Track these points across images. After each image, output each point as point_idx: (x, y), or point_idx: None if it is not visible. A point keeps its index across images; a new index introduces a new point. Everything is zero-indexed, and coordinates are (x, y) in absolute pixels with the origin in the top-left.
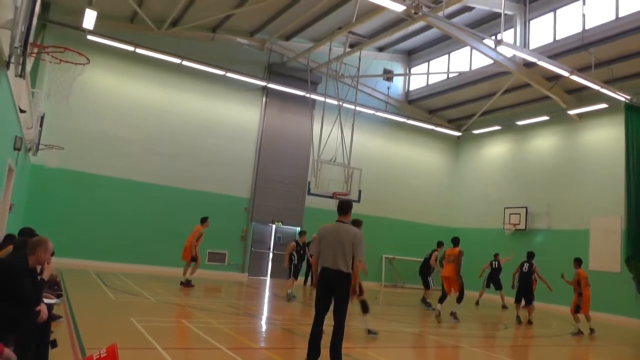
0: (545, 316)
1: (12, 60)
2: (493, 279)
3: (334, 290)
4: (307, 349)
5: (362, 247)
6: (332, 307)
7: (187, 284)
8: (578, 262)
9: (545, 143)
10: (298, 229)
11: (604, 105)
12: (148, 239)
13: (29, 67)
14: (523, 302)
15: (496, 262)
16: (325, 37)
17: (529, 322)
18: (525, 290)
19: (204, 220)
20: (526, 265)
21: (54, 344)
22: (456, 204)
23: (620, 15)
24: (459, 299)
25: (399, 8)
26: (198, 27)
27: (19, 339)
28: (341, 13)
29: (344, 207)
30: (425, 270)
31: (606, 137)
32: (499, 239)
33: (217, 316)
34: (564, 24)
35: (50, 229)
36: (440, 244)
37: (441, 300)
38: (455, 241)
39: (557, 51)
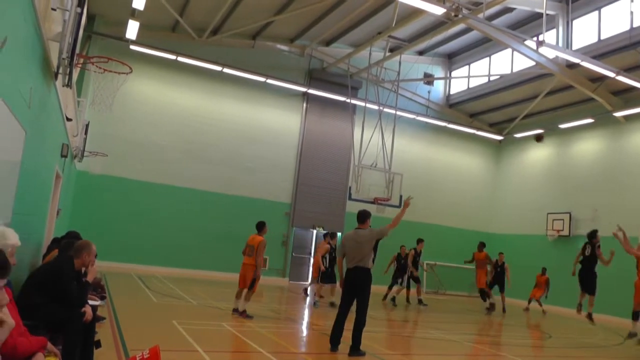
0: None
1: (60, 70)
2: (498, 281)
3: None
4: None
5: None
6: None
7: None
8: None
9: (589, 147)
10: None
11: None
12: (189, 243)
13: (75, 77)
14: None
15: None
16: (365, 42)
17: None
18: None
19: (326, 236)
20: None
21: (98, 344)
22: (497, 209)
23: None
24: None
25: (439, 11)
26: (238, 35)
27: (67, 339)
28: (381, 17)
29: (359, 216)
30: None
31: None
32: (541, 246)
33: (258, 320)
34: (610, 22)
35: (94, 233)
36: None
37: None
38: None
39: (602, 51)
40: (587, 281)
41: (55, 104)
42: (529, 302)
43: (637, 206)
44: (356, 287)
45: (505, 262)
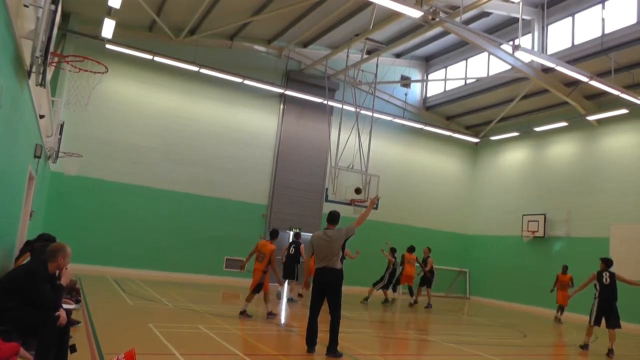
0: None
1: (33, 69)
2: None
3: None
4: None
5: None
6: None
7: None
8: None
9: (564, 149)
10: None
11: (624, 111)
12: (166, 245)
13: (49, 76)
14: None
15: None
16: (343, 43)
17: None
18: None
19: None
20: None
21: (73, 348)
22: (474, 211)
23: None
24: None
25: (417, 14)
26: (216, 35)
27: (40, 343)
28: (358, 20)
29: (330, 217)
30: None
31: (627, 143)
32: (517, 247)
33: (234, 322)
34: (583, 28)
35: (69, 236)
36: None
37: None
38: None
39: (576, 56)
40: (613, 314)
41: (28, 104)
42: (559, 310)
43: (608, 207)
44: (326, 287)
45: (430, 257)
